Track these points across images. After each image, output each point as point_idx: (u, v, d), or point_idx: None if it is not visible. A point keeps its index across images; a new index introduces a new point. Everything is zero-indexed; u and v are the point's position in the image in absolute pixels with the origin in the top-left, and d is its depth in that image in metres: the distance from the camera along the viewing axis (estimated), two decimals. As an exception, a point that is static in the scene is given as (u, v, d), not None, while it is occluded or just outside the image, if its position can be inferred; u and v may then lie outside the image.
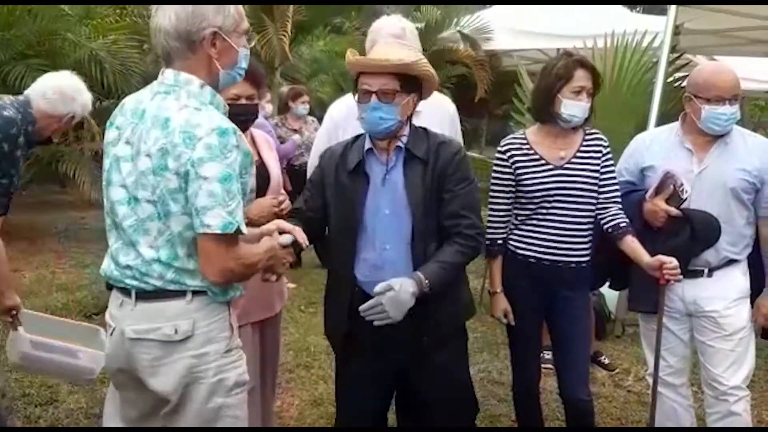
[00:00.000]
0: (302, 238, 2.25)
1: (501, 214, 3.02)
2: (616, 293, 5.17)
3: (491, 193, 3.03)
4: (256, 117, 2.94)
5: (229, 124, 1.94)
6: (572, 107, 2.85)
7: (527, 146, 2.96)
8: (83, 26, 7.16)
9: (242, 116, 2.63)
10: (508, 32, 9.68)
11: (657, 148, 3.11)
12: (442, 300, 2.49)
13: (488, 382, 4.43)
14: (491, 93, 10.84)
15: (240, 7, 2.06)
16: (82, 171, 7.28)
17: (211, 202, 1.88)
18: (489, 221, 3.05)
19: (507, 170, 2.96)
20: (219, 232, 1.89)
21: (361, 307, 2.30)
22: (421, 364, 2.59)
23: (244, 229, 1.96)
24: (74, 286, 6.17)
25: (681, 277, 2.84)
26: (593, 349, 4.59)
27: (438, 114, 3.12)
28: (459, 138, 3.25)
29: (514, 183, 2.96)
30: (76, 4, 7.38)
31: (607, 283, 3.40)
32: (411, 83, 2.45)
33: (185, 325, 2.02)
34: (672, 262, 2.79)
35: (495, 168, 3.01)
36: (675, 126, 3.12)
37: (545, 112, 2.92)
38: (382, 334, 2.41)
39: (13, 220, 8.20)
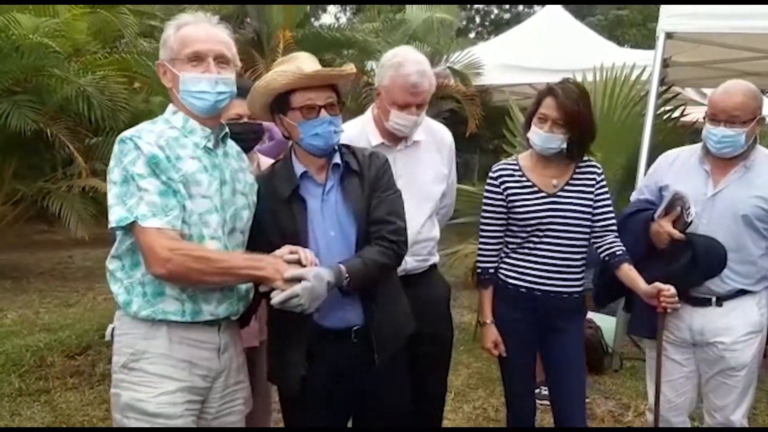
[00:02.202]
0: (307, 258, 2.17)
1: (492, 242, 2.94)
2: (612, 326, 5.10)
3: (482, 221, 2.95)
4: (259, 136, 2.92)
5: (132, 133, 2.12)
6: (534, 134, 2.81)
7: (519, 173, 2.89)
8: (71, 62, 7.09)
9: (242, 134, 2.62)
10: (498, 67, 9.74)
11: (677, 168, 3.01)
12: (383, 311, 2.40)
13: (483, 419, 4.29)
14: (483, 128, 10.84)
15: (186, 33, 2.18)
16: (68, 209, 7.15)
17: (114, 201, 2.09)
18: (480, 249, 2.97)
19: (498, 197, 2.89)
20: (114, 225, 2.07)
21: (274, 300, 2.12)
22: (374, 391, 2.46)
23: (157, 222, 2.04)
24: (57, 325, 6.01)
25: (679, 305, 2.75)
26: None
27: (435, 142, 3.03)
28: (453, 171, 3.14)
29: (505, 210, 2.88)
30: (75, 4, 7.36)
31: (622, 306, 3.28)
32: (338, 94, 2.40)
33: (110, 328, 2.23)
34: (669, 289, 2.71)
35: (486, 195, 2.93)
36: (700, 146, 2.99)
37: (526, 138, 2.89)
38: (336, 372, 2.37)
39: (-1, 260, 8.17)
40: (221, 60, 2.19)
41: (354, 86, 9.90)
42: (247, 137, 2.74)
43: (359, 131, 2.90)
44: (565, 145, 2.79)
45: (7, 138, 6.96)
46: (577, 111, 2.75)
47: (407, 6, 11.33)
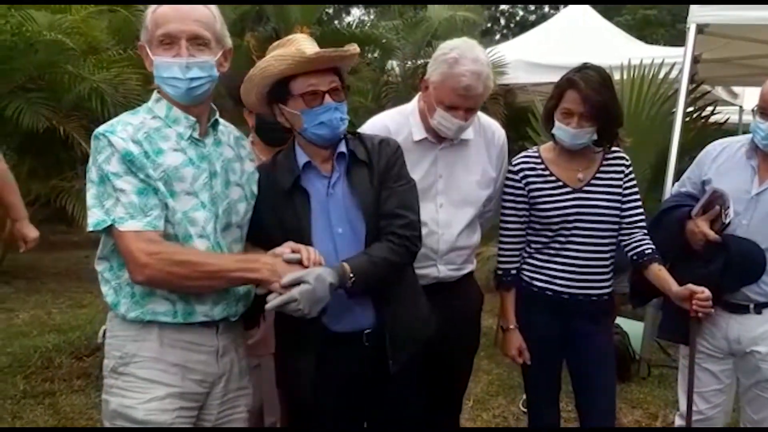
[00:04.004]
0: (309, 257, 2.00)
1: (514, 240, 2.75)
2: (640, 331, 4.90)
3: (502, 218, 2.76)
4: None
5: (106, 128, 1.96)
6: (559, 130, 2.60)
7: (542, 166, 2.70)
8: (86, 60, 7.02)
9: (277, 125, 2.34)
10: (522, 66, 9.51)
11: (722, 161, 2.79)
12: (397, 312, 2.22)
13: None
14: (506, 128, 10.62)
15: (159, 13, 1.97)
16: (82, 207, 7.05)
17: (92, 203, 1.96)
18: (500, 249, 2.78)
19: (520, 191, 2.69)
20: (92, 229, 1.95)
21: (269, 305, 1.97)
22: (388, 396, 2.30)
23: (135, 224, 1.91)
24: (68, 326, 5.92)
25: (713, 309, 2.54)
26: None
27: (486, 140, 2.74)
28: (504, 174, 2.81)
29: (527, 206, 2.69)
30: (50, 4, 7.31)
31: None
32: (341, 78, 2.20)
33: (102, 329, 2.14)
34: (704, 292, 2.50)
35: (506, 189, 2.74)
36: (749, 138, 2.77)
37: (549, 133, 2.69)
38: (348, 377, 2.20)
39: (14, 259, 8.10)
40: (197, 41, 1.98)
41: (374, 85, 9.76)
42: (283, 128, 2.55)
43: (401, 122, 2.65)
44: (595, 137, 2.60)
45: (21, 136, 6.91)
46: (602, 101, 2.54)
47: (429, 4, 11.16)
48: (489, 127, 2.79)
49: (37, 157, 7.51)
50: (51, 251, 9.29)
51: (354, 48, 2.16)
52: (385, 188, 2.19)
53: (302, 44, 2.14)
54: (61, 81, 6.97)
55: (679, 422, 2.92)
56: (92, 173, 1.95)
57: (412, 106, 2.70)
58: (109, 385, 2.05)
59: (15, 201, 3.53)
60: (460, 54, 2.46)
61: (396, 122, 2.65)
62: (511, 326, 2.75)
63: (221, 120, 2.20)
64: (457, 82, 2.44)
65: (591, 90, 2.52)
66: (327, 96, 2.11)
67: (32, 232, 3.55)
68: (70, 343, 5.33)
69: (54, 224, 9.81)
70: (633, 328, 4.98)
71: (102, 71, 6.90)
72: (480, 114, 2.73)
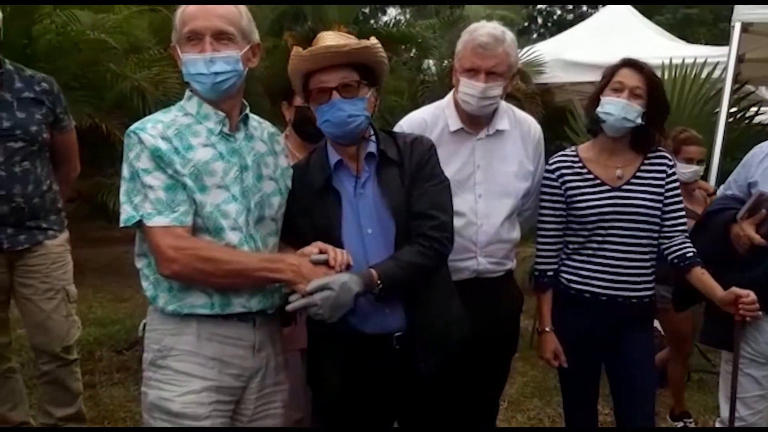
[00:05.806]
0: (337, 259, 2.00)
1: (551, 241, 2.72)
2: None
3: (539, 218, 2.73)
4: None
5: (137, 125, 2.01)
6: (607, 104, 2.55)
7: (579, 164, 2.67)
8: (128, 59, 7.17)
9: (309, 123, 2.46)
10: (560, 65, 9.43)
11: None
12: (428, 316, 2.18)
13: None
14: (544, 127, 10.51)
15: (186, 12, 2.02)
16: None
17: (123, 199, 2.01)
18: (538, 250, 2.76)
19: (556, 191, 2.67)
20: (122, 225, 2.00)
21: (289, 306, 1.98)
22: (418, 399, 2.27)
23: (162, 220, 1.96)
24: (108, 320, 6.03)
25: (760, 313, 2.49)
26: (678, 408, 4.20)
27: (522, 133, 2.75)
28: (541, 169, 2.79)
29: (564, 205, 2.66)
30: (94, 4, 7.45)
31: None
32: (368, 74, 2.16)
33: (143, 323, 2.19)
34: (749, 295, 2.45)
35: (543, 189, 2.72)
36: None
37: (592, 120, 2.65)
38: (376, 380, 2.18)
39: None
40: (221, 36, 2.01)
41: (410, 84, 9.76)
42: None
43: (438, 115, 2.68)
44: (640, 120, 2.54)
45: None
46: (656, 80, 2.55)
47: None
48: (525, 121, 2.80)
49: (79, 153, 7.66)
50: (92, 246, 9.44)
51: (361, 42, 2.13)
52: (416, 188, 2.16)
53: (324, 41, 2.14)
54: (104, 79, 7.13)
55: (719, 425, 2.86)
56: (124, 170, 2.00)
57: (448, 99, 2.73)
58: (148, 378, 2.09)
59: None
60: (481, 24, 2.59)
61: (433, 115, 2.68)
62: (547, 329, 2.72)
63: (253, 116, 2.22)
64: (474, 40, 2.51)
65: (645, 68, 2.55)
66: (335, 92, 2.09)
67: None
68: (110, 337, 5.43)
69: (95, 220, 9.99)
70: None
71: (143, 70, 7.04)
72: (514, 109, 2.77)
